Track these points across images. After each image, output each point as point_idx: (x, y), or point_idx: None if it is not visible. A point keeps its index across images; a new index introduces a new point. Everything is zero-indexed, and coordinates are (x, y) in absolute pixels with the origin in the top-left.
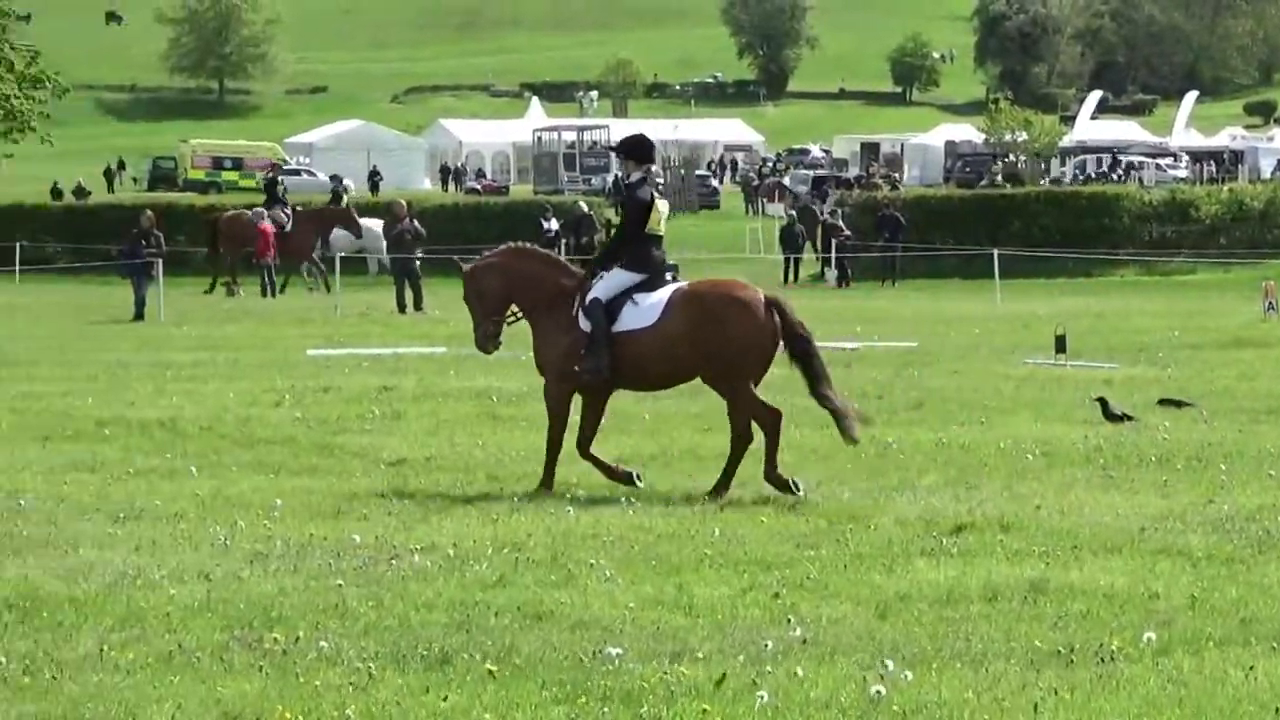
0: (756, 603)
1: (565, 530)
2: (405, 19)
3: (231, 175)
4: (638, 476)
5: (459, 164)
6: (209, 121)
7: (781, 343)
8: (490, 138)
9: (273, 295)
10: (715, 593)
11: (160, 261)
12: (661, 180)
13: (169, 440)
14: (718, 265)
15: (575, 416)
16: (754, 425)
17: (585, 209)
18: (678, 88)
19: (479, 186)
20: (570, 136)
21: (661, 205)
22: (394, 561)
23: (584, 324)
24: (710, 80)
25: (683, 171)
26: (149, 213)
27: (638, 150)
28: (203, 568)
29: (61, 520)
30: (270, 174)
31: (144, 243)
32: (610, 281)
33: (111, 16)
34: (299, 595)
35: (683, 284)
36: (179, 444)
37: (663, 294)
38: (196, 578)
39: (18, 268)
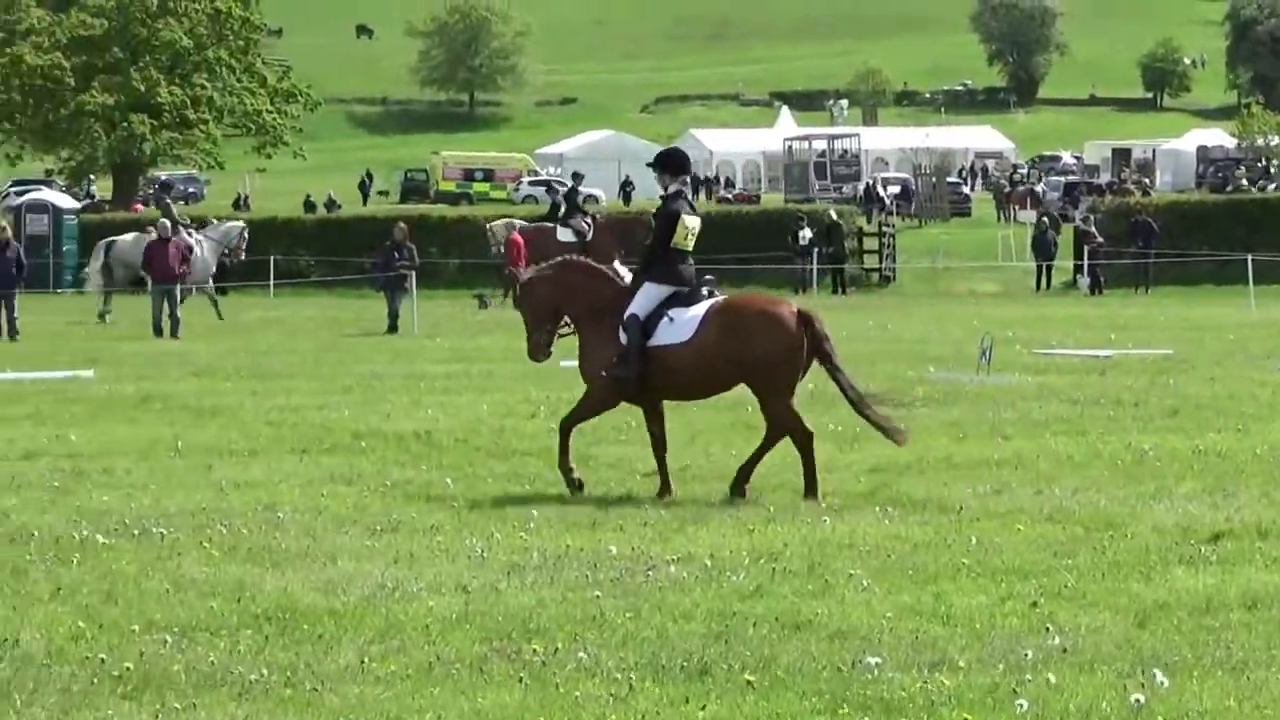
0: (1014, 611)
1: (821, 540)
2: (656, 29)
3: (482, 187)
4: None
5: (710, 174)
6: (459, 133)
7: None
8: (740, 147)
9: None
10: (973, 602)
11: (413, 274)
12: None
13: (425, 452)
14: (970, 273)
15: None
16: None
17: (835, 217)
18: (927, 95)
19: (730, 196)
20: (821, 145)
21: (691, 221)
22: (651, 572)
23: (622, 337)
24: (960, 88)
25: (934, 179)
26: (402, 225)
27: (673, 163)
28: (460, 579)
29: (319, 533)
30: (571, 184)
31: (397, 255)
32: (645, 296)
33: (362, 30)
34: (556, 606)
35: (718, 299)
36: (435, 456)
37: (698, 309)
38: (454, 589)
39: (271, 281)
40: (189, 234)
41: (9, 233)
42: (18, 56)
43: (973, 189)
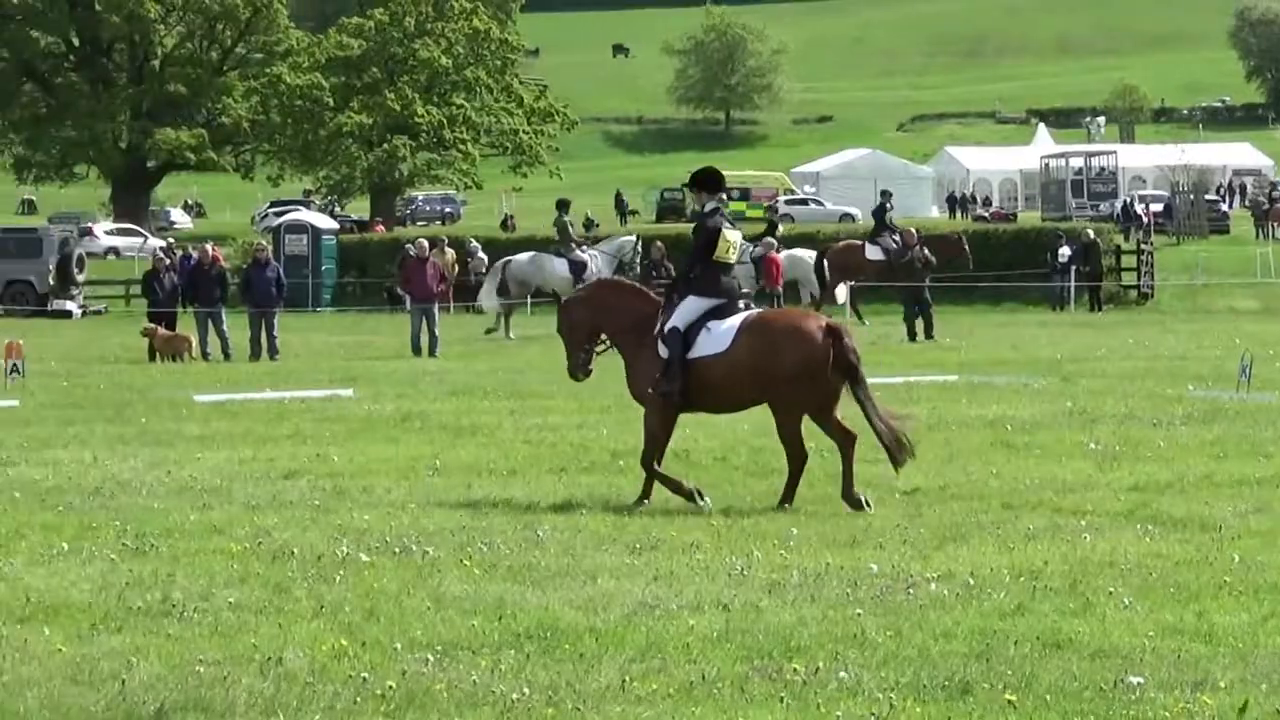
0: (1278, 630)
1: (1082, 558)
2: (912, 47)
3: (739, 205)
4: (699, 494)
5: (966, 191)
6: (716, 152)
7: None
8: (997, 165)
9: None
10: (1235, 620)
11: None
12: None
13: (683, 471)
14: (1229, 289)
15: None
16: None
17: (1092, 235)
18: (1185, 112)
19: (987, 214)
20: (1077, 163)
21: (732, 235)
22: (911, 590)
23: (663, 350)
24: (1218, 104)
25: (1191, 196)
26: (659, 244)
27: (709, 182)
28: (720, 597)
29: (579, 551)
30: (880, 200)
31: (655, 274)
32: (686, 309)
33: (619, 49)
34: (817, 625)
35: (753, 312)
36: (693, 474)
37: (734, 321)
38: (715, 607)
39: (528, 300)
40: (582, 250)
41: (269, 252)
42: (276, 77)
43: (1231, 206)
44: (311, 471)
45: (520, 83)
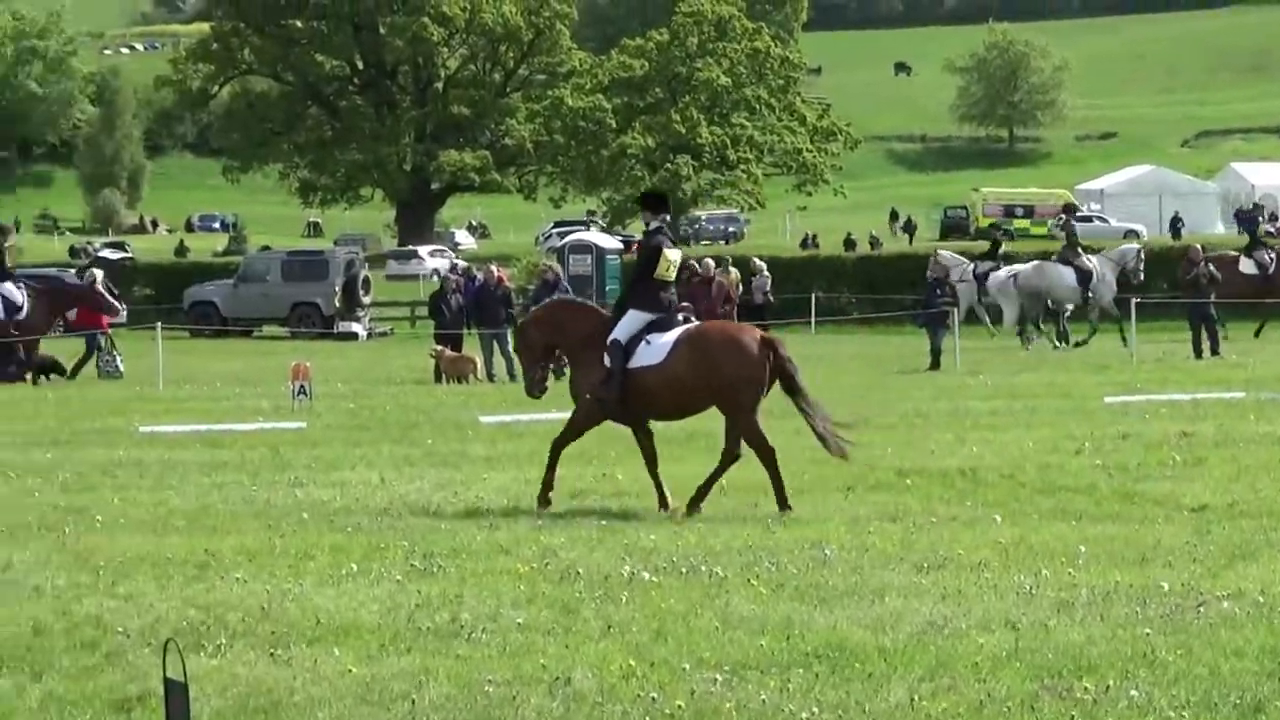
0: None
1: None
2: (1195, 62)
3: (1022, 223)
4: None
5: (1251, 207)
6: (999, 169)
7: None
8: None
9: (1066, 344)
10: None
11: (955, 311)
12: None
13: (970, 488)
14: None
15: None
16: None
17: None
18: None
19: (1274, 229)
20: None
21: (673, 254)
22: (1201, 609)
23: (606, 360)
24: None
25: None
26: (943, 262)
27: (654, 202)
28: (1009, 616)
29: (866, 570)
30: (1251, 211)
31: (939, 292)
32: (627, 323)
33: (901, 67)
34: (1106, 643)
35: (691, 325)
36: (980, 492)
37: (671, 335)
38: (1003, 626)
39: (813, 319)
40: (1089, 258)
41: (557, 272)
42: (559, 99)
43: None
44: (597, 491)
45: (803, 101)
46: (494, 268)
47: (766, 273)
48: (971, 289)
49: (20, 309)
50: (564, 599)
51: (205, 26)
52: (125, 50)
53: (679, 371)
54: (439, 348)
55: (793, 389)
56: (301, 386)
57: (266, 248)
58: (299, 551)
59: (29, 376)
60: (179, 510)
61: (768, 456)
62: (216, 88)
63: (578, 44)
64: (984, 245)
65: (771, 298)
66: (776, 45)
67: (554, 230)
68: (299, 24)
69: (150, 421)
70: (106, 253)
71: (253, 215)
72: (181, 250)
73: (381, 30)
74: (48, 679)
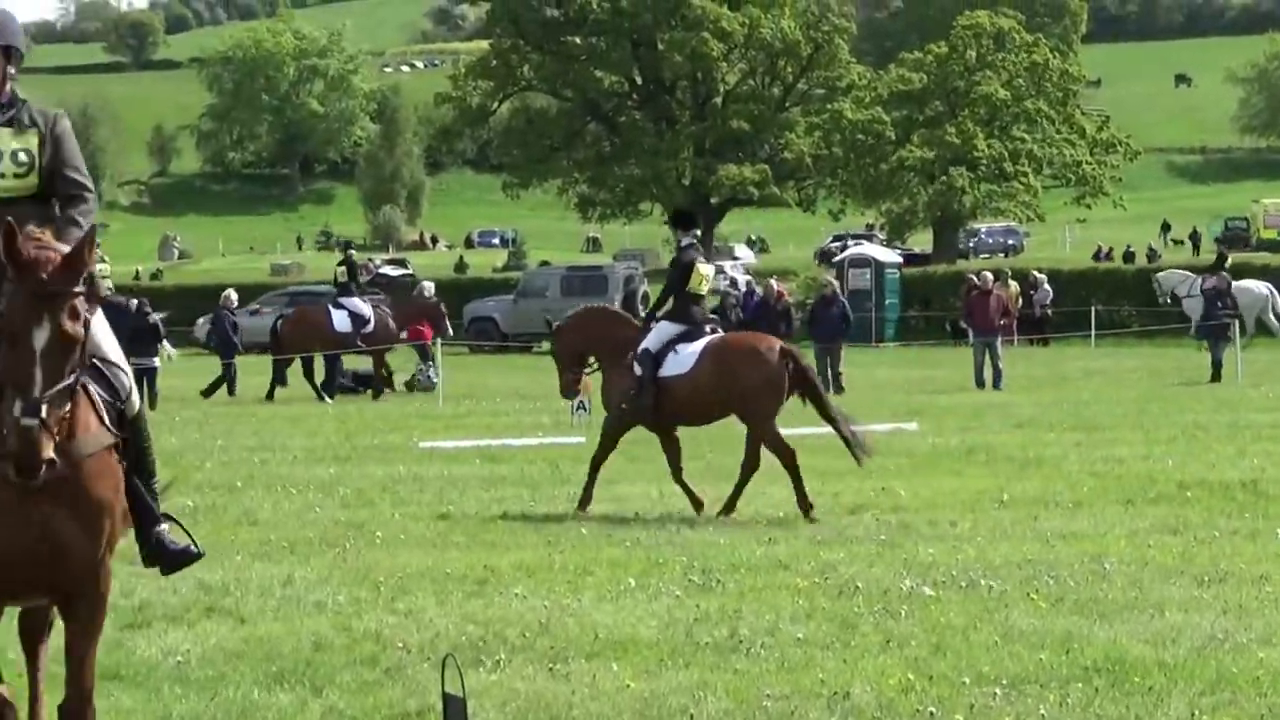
0: None
1: None
2: None
3: None
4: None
5: None
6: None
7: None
8: None
9: None
10: None
11: (1236, 323)
12: None
13: (1251, 501)
14: None
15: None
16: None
17: None
18: None
19: None
20: None
21: (705, 269)
22: None
23: (636, 369)
24: None
25: None
26: (1224, 274)
27: (684, 220)
28: None
29: (1146, 583)
30: None
31: (1220, 304)
32: (658, 333)
33: (1181, 79)
34: None
35: (716, 336)
36: (1261, 505)
37: (699, 345)
38: None
39: (1092, 332)
40: None
41: (835, 287)
42: (838, 112)
43: None
44: (876, 505)
45: (1082, 114)
46: (774, 282)
47: (1046, 286)
48: (1199, 304)
49: (367, 322)
50: (843, 614)
51: (485, 44)
52: (405, 68)
53: (703, 380)
54: None
55: (814, 397)
56: (581, 402)
57: (546, 263)
58: (577, 567)
59: (368, 390)
60: (458, 525)
61: (789, 460)
62: (496, 104)
63: (856, 58)
64: (1267, 256)
65: (1051, 310)
66: (1055, 57)
67: (833, 243)
68: (578, 40)
69: (430, 437)
70: (387, 269)
71: (532, 230)
72: (461, 266)
73: (660, 46)
74: (328, 694)
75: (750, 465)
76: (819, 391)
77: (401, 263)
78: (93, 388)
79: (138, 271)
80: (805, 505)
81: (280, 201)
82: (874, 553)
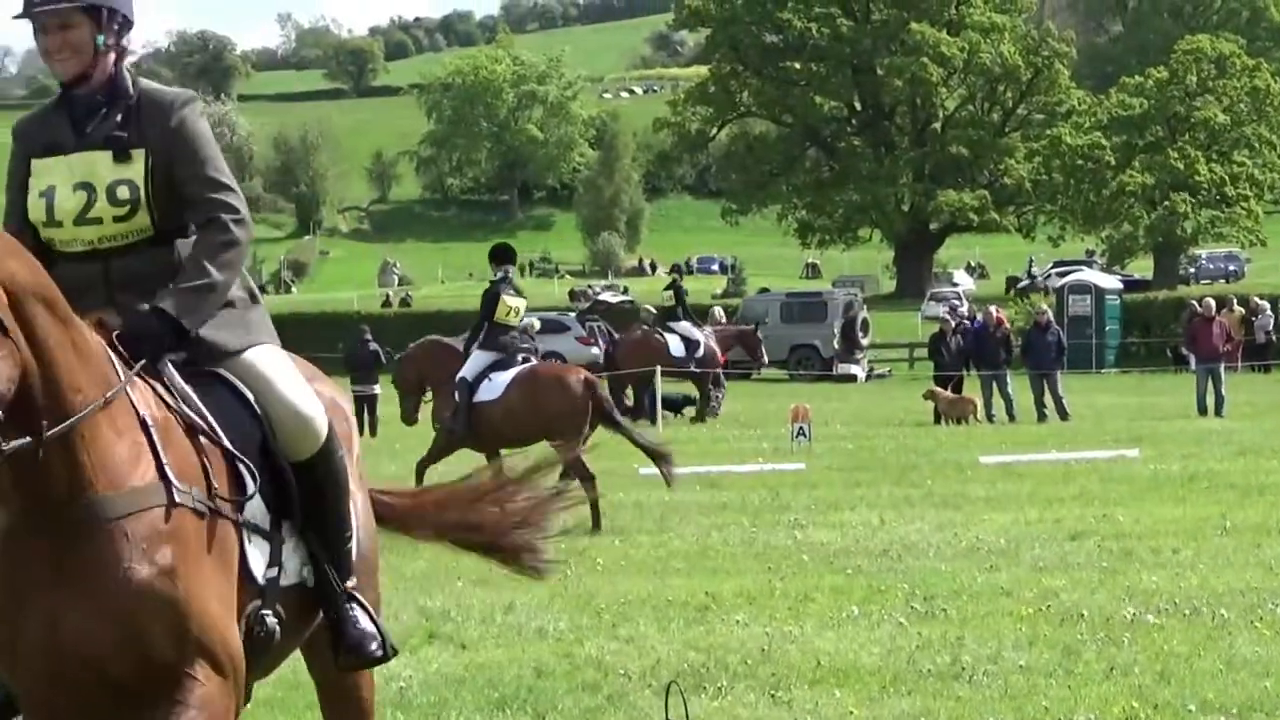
0: None
1: None
2: None
3: None
4: None
5: None
6: None
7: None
8: None
9: None
10: None
11: None
12: None
13: None
14: None
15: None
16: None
17: None
18: None
19: None
20: None
21: (513, 301)
22: None
23: (455, 395)
24: None
25: None
26: None
27: (498, 255)
28: None
29: None
30: None
31: None
32: (473, 363)
33: None
34: None
35: (527, 366)
36: None
37: (510, 374)
38: None
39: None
40: None
41: (1049, 315)
42: (1058, 138)
43: None
44: (1098, 532)
45: None
46: (994, 309)
47: (1269, 311)
48: None
49: (698, 346)
50: (1065, 641)
51: (703, 70)
52: (624, 94)
53: (513, 406)
54: (934, 389)
55: (612, 424)
56: (801, 428)
57: (765, 289)
58: (799, 594)
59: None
60: (679, 552)
61: (588, 482)
62: (715, 130)
63: (1076, 82)
64: None
65: (1275, 336)
66: (1277, 82)
67: (1053, 270)
68: (797, 66)
69: (649, 464)
70: (606, 296)
71: (751, 257)
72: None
73: (879, 71)
74: None
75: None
76: (616, 420)
77: (619, 289)
78: (164, 417)
79: (388, 297)
80: (596, 523)
81: (499, 228)
82: (1096, 580)
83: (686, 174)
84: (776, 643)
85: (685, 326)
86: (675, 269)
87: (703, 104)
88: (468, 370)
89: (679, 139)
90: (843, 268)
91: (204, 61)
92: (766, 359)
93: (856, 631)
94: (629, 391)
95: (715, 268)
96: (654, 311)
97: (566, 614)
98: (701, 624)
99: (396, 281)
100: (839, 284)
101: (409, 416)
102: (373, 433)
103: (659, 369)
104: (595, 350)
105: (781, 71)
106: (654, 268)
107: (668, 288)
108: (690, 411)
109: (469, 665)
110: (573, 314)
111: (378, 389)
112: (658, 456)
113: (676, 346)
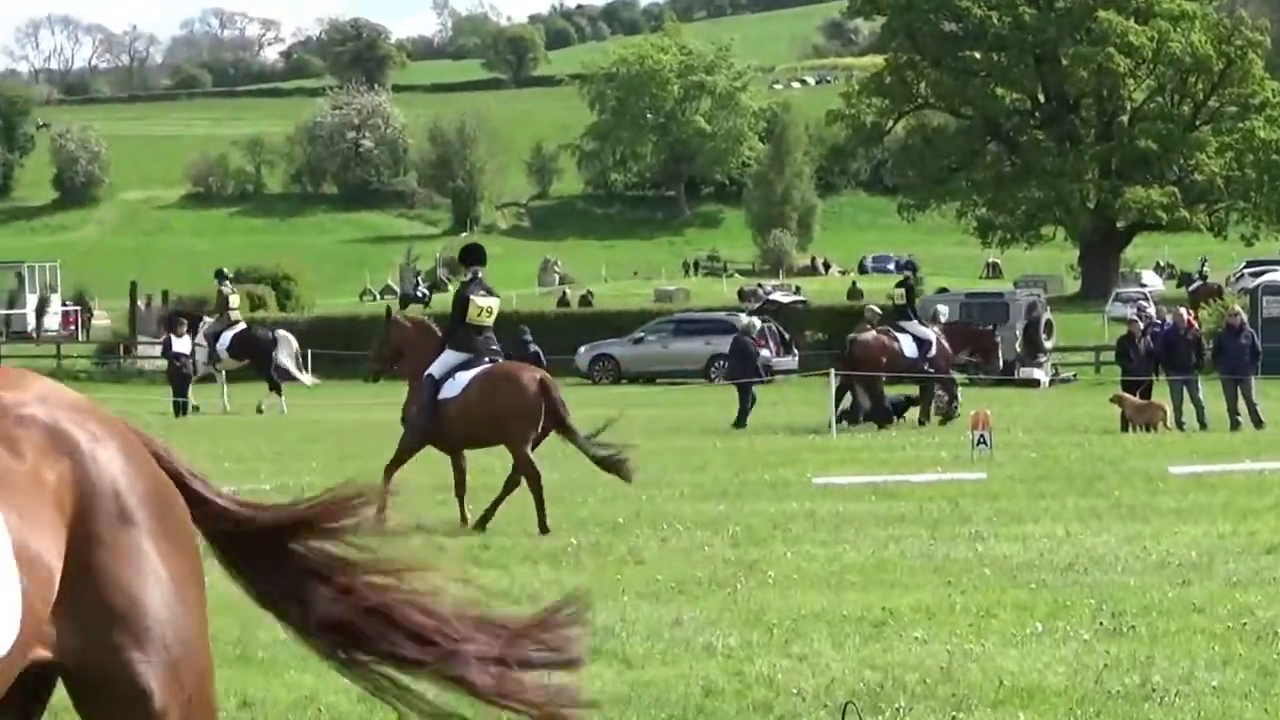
0: None
1: None
2: None
3: None
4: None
5: None
6: None
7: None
8: None
9: None
10: None
11: None
12: None
13: None
14: None
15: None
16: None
17: None
18: None
19: None
20: None
21: (484, 301)
22: None
23: (424, 393)
24: None
25: None
26: None
27: (467, 256)
28: None
29: None
30: None
31: None
32: (442, 361)
33: None
34: None
35: (487, 365)
36: None
37: (471, 373)
38: None
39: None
40: None
41: (1243, 317)
42: (1251, 131)
43: None
44: None
45: None
46: (1184, 311)
47: None
48: None
49: (930, 346)
50: (1262, 660)
51: (879, 59)
52: (796, 84)
53: (469, 403)
54: (1120, 394)
55: (563, 428)
56: (982, 436)
57: (944, 289)
58: (980, 609)
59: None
60: (854, 565)
61: (534, 483)
62: (891, 123)
63: (1270, 73)
64: None
65: None
66: None
67: (1246, 270)
68: (977, 56)
69: (823, 472)
70: (777, 295)
71: (929, 256)
72: (855, 292)
73: (1064, 61)
74: None
75: (512, 483)
76: (569, 425)
77: (791, 288)
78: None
79: (564, 294)
80: (543, 525)
81: (665, 225)
82: None
83: (861, 169)
84: (957, 661)
85: (915, 326)
86: (906, 265)
87: (878, 95)
88: (436, 368)
89: (853, 132)
90: (1025, 267)
91: (357, 50)
92: (1000, 363)
93: (1041, 649)
94: (859, 392)
95: (891, 267)
96: (879, 311)
97: (736, 629)
98: (878, 641)
99: (557, 280)
100: (1021, 284)
101: (371, 374)
102: None
103: (882, 376)
104: (766, 352)
105: (961, 61)
106: (827, 266)
107: (899, 284)
108: (914, 414)
109: (634, 683)
110: (743, 315)
111: None
112: (611, 466)
113: (910, 347)
